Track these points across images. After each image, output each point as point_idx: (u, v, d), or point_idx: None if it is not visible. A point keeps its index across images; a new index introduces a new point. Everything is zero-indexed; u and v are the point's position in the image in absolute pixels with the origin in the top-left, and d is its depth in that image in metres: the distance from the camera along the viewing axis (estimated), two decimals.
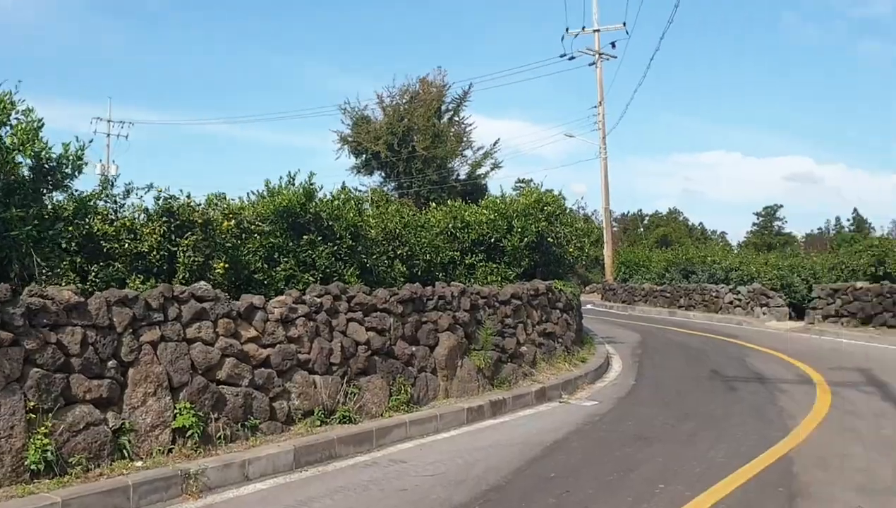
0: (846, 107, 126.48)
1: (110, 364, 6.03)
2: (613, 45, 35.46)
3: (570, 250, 13.64)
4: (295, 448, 6.67)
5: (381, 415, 8.02)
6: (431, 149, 31.05)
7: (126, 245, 7.57)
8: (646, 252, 33.88)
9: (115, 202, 8.11)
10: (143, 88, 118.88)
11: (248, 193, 9.94)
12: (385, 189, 30.20)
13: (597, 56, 35.18)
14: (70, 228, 7.01)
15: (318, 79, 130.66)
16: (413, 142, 31.08)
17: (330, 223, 9.48)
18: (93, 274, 7.12)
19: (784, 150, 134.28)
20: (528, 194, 13.34)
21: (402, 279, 10.23)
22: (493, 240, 12.50)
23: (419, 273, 10.83)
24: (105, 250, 7.47)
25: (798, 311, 22.37)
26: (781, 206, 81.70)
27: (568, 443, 7.68)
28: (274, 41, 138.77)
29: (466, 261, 12.18)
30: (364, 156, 32.38)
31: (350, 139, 32.40)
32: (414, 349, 8.81)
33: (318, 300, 7.82)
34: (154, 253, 7.68)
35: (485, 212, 12.77)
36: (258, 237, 8.98)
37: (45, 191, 7.20)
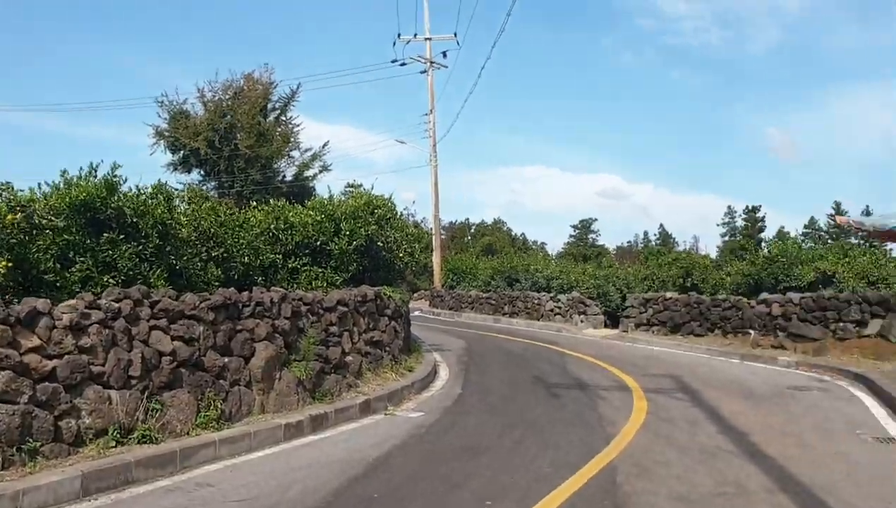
0: (654, 130, 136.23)
1: None
2: (445, 54, 35.85)
3: (401, 255, 13.29)
4: (83, 474, 5.81)
5: (188, 434, 7.23)
6: (256, 148, 29.86)
7: None
8: (473, 260, 34.45)
9: None
10: None
11: (38, 184, 8.77)
12: (204, 188, 28.65)
13: (428, 64, 35.34)
14: None
15: (134, 70, 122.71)
16: (236, 140, 29.73)
17: (135, 220, 8.56)
18: None
19: (598, 168, 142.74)
20: (358, 197, 12.85)
21: (216, 283, 9.45)
22: (319, 243, 11.90)
23: (236, 277, 10.08)
24: None
25: (613, 319, 23.38)
26: (596, 220, 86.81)
27: (393, 459, 7.28)
28: (83, 26, 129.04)
29: (289, 265, 11.51)
30: (182, 152, 30.58)
31: (167, 134, 30.51)
32: (227, 360, 8.06)
33: (116, 305, 6.91)
34: None
35: (311, 213, 12.15)
36: (50, 233, 7.95)
37: None
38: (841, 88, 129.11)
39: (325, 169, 33.15)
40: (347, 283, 11.98)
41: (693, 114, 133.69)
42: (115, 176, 8.63)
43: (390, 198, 13.33)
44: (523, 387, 11.80)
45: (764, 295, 17.13)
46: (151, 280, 8.44)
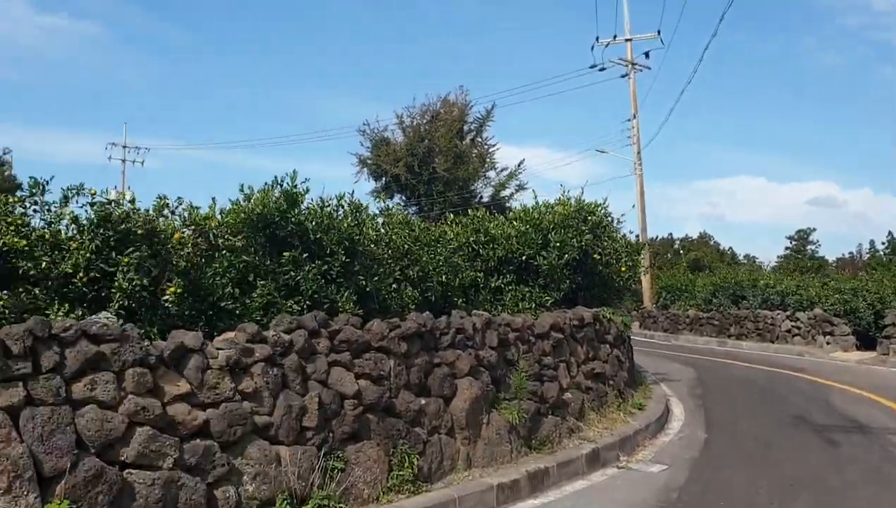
0: (869, 131, 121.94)
1: None
2: (647, 54, 33.12)
3: (622, 269, 11.27)
4: None
5: (377, 500, 5.71)
6: (453, 171, 29.62)
7: (44, 264, 5.68)
8: (688, 276, 31.40)
9: (49, 210, 6.19)
10: (162, 119, 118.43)
11: (212, 199, 7.71)
12: (406, 212, 28.53)
13: (629, 66, 32.83)
14: None
15: (333, 108, 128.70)
16: (434, 164, 29.70)
17: (318, 236, 7.31)
18: None
19: (807, 176, 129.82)
20: (567, 204, 11.00)
21: (413, 306, 8.03)
22: (524, 258, 10.17)
23: (434, 299, 8.62)
24: (20, 271, 5.62)
25: (864, 340, 19.95)
26: (814, 230, 78.28)
27: None
28: (289, 71, 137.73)
29: (492, 284, 9.85)
30: (384, 179, 31.03)
31: (369, 162, 31.05)
32: (423, 402, 6.49)
33: (287, 337, 5.55)
34: (81, 274, 5.71)
35: (514, 224, 10.48)
36: (228, 254, 6.87)
37: None
38: None
39: (521, 187, 32.33)
40: (558, 304, 10.19)
41: None
42: (294, 186, 7.46)
43: (604, 203, 11.37)
44: (783, 430, 9.43)
45: None
46: (340, 303, 7.13)
